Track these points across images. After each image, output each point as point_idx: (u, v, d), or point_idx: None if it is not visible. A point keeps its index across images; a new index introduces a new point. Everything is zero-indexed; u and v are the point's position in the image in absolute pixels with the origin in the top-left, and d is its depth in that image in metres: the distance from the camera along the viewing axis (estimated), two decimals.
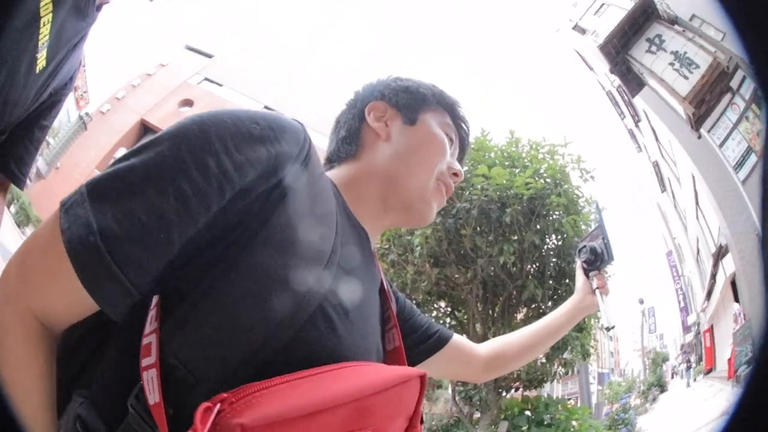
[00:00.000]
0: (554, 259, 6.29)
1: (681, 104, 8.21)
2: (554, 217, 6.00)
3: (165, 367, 0.45)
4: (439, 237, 6.19)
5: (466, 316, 7.01)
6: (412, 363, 0.86)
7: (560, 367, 7.16)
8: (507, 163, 6.45)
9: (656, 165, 12.22)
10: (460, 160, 0.86)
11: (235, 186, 0.50)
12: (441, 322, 7.06)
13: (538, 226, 6.01)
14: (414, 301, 6.97)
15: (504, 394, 7.03)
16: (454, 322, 7.18)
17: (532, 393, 7.10)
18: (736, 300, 9.20)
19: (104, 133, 16.01)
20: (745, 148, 7.40)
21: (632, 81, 9.35)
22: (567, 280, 6.26)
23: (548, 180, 6.16)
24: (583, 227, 6.46)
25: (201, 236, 0.50)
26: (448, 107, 0.83)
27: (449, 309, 7.34)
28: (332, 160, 0.81)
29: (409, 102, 0.80)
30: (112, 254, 0.46)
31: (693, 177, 9.18)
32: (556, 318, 1.11)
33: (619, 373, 14.46)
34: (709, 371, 11.86)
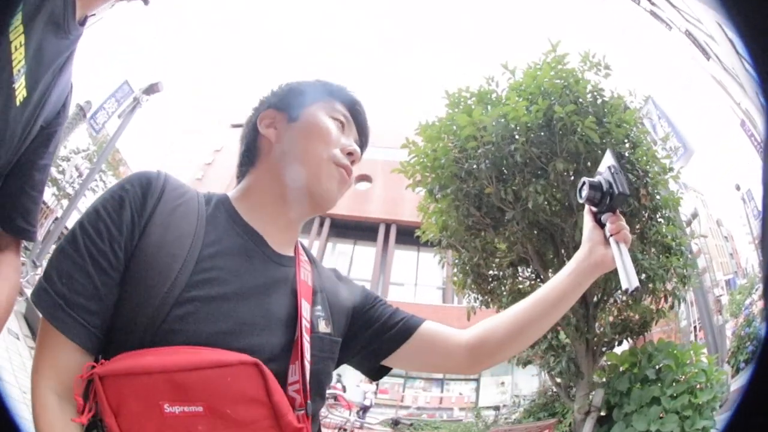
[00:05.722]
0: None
1: None
2: (576, 130, 4.86)
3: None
4: (458, 206, 5.40)
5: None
6: (380, 356, 0.91)
7: (663, 301, 5.85)
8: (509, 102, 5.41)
9: (689, 33, 10.58)
10: (362, 138, 0.92)
11: (121, 238, 0.69)
12: (531, 288, 6.19)
13: (565, 150, 4.93)
14: (503, 276, 6.34)
15: (600, 354, 5.85)
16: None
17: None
18: None
19: None
20: None
21: None
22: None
23: (558, 93, 5.08)
24: (636, 128, 5.30)
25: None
26: (334, 94, 0.88)
27: (534, 274, 6.44)
28: (238, 177, 0.89)
29: (292, 101, 0.86)
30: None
31: (719, 24, 7.61)
32: (557, 285, 0.87)
33: (742, 274, 12.49)
34: None
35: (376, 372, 0.95)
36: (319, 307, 0.81)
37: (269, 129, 0.85)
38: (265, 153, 0.85)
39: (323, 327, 0.80)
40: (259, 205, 0.82)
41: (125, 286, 0.68)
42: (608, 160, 0.93)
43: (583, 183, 0.91)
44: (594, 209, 0.91)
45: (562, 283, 0.87)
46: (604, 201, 0.88)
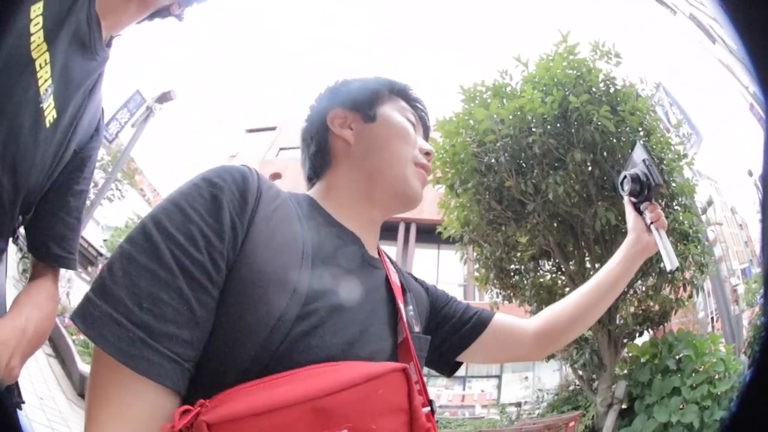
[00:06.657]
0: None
1: None
2: (591, 119, 4.85)
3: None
4: (479, 200, 5.44)
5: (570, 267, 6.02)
6: (456, 352, 0.92)
7: (682, 290, 5.80)
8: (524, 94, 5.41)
9: (693, 17, 10.55)
10: (426, 137, 0.91)
11: (222, 247, 0.57)
12: (552, 282, 6.27)
13: (582, 140, 4.92)
14: (525, 270, 6.35)
15: (622, 345, 5.82)
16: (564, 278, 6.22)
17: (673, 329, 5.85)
18: None
19: None
20: None
21: None
22: None
23: (572, 83, 5.07)
24: (649, 116, 5.28)
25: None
26: (400, 93, 0.87)
27: (555, 267, 6.43)
28: (311, 178, 0.86)
29: (364, 100, 0.84)
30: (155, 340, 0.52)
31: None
32: (610, 270, 0.97)
33: (757, 263, 12.35)
34: None
35: (450, 368, 0.96)
36: (410, 307, 0.80)
37: (344, 129, 0.83)
38: (342, 153, 0.83)
39: (416, 326, 0.79)
40: (346, 205, 0.79)
41: (224, 305, 0.57)
42: (640, 153, 1.04)
43: (624, 177, 1.02)
44: (633, 200, 1.01)
45: (615, 268, 0.97)
46: (643, 192, 1.00)
